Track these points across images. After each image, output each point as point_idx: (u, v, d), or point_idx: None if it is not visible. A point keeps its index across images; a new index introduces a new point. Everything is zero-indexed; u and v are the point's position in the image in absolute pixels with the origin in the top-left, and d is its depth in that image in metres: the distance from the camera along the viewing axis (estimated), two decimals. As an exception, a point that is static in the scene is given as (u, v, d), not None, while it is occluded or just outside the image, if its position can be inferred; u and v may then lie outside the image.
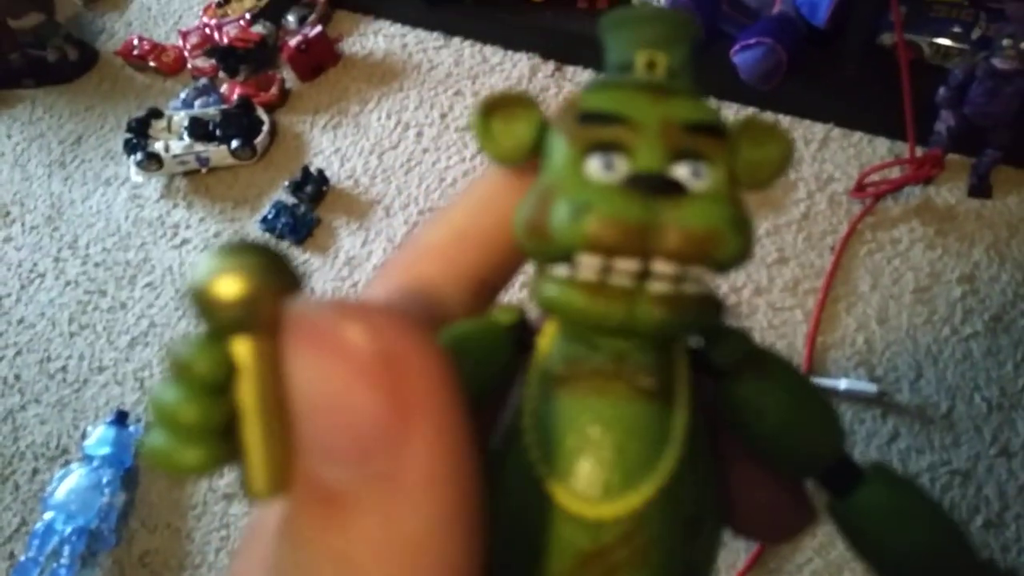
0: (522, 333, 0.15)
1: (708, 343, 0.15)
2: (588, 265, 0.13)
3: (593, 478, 0.13)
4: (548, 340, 0.15)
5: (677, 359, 0.14)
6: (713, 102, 0.93)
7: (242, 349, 0.11)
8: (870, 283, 0.77)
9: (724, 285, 0.79)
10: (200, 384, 0.11)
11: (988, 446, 0.67)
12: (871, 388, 0.69)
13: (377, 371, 0.10)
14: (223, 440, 0.11)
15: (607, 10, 1.07)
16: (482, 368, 0.15)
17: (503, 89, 0.16)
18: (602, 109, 0.14)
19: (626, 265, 0.13)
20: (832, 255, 0.79)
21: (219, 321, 0.11)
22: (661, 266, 0.13)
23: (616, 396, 0.14)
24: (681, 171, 0.13)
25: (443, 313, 0.16)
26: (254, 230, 0.95)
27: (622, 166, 0.13)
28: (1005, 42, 0.68)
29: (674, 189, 0.13)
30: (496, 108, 0.15)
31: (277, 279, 0.11)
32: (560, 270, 0.14)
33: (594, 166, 0.14)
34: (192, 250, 0.96)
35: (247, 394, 0.11)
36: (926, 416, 0.69)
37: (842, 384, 0.70)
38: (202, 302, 0.11)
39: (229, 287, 0.11)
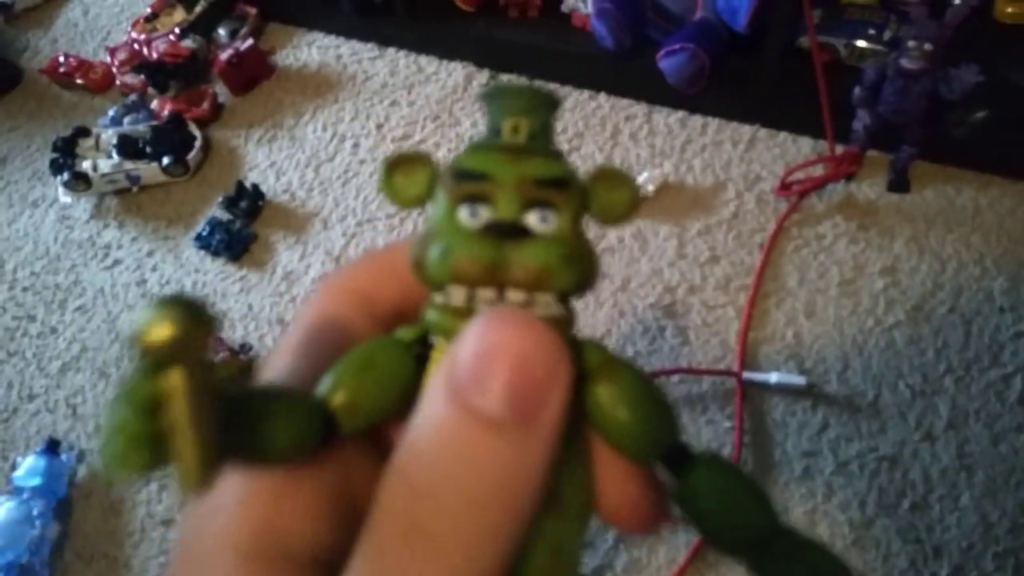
0: (424, 349, 0.18)
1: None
2: (456, 294, 0.17)
3: None
4: (439, 354, 0.17)
5: None
6: (645, 107, 0.95)
7: (173, 379, 0.14)
8: (798, 278, 0.79)
9: (659, 285, 0.81)
10: (141, 406, 0.14)
11: (913, 431, 0.69)
12: (800, 381, 0.71)
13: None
14: (160, 447, 0.14)
15: (538, 18, 1.05)
16: (386, 384, 0.17)
17: (404, 150, 0.20)
18: (471, 168, 0.17)
19: (485, 293, 0.17)
20: (761, 252, 0.81)
21: (153, 359, 0.14)
22: (513, 294, 0.17)
23: None
24: (532, 217, 0.17)
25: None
26: (189, 247, 0.93)
27: (484, 214, 0.17)
28: (911, 43, 0.71)
29: (522, 233, 0.17)
30: (398, 164, 0.18)
31: (197, 323, 0.14)
32: (439, 298, 0.17)
33: (463, 214, 0.17)
34: (124, 271, 0.94)
35: (178, 412, 0.14)
36: (854, 405, 0.71)
37: (773, 378, 0.72)
38: (140, 347, 0.14)
39: (159, 334, 0.14)
